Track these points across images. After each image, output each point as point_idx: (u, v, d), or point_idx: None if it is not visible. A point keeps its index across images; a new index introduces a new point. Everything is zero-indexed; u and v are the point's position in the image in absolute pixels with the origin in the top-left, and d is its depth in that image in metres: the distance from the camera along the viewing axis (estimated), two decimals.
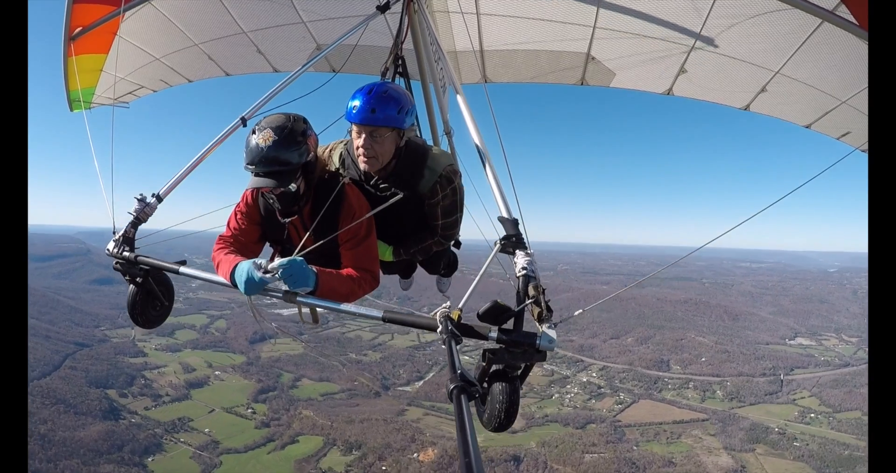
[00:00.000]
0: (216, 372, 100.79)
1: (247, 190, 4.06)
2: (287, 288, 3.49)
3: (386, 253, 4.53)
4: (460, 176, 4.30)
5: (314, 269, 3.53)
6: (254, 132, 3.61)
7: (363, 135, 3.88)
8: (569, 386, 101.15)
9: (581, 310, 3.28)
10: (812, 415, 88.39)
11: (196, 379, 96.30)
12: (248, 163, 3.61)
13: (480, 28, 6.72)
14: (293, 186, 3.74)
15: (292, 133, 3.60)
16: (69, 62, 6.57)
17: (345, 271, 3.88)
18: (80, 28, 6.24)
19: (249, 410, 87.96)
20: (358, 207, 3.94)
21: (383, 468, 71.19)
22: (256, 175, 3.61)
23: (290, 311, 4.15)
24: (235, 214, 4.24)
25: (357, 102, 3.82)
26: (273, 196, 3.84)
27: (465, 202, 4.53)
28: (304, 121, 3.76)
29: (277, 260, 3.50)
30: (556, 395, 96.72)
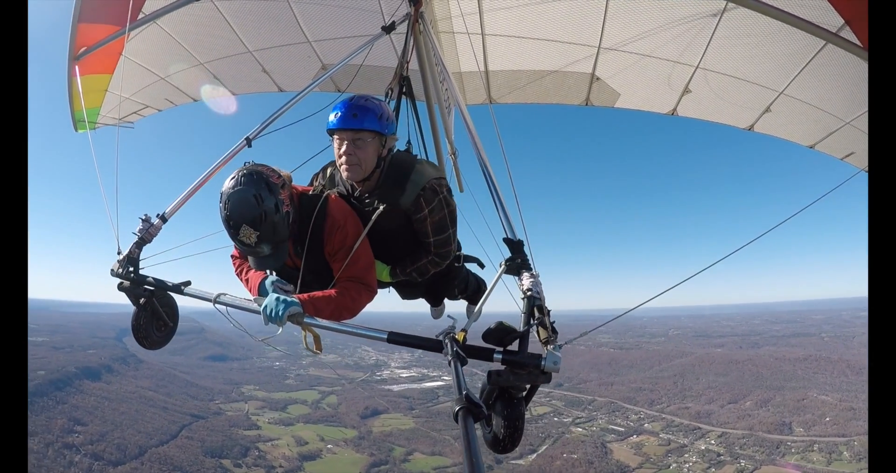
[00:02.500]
0: (328, 446, 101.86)
1: None
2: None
3: (383, 272, 4.43)
4: (448, 190, 4.17)
5: (293, 300, 3.50)
6: (230, 224, 3.55)
7: (345, 142, 3.87)
8: (686, 455, 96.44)
9: (585, 333, 3.25)
10: None
11: (309, 452, 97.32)
12: (222, 217, 3.57)
13: (485, 49, 6.75)
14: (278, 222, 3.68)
15: (269, 219, 3.54)
16: (73, 82, 6.60)
17: (331, 290, 3.85)
18: (85, 48, 6.26)
19: None
20: (342, 220, 3.91)
21: None
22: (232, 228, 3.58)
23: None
24: None
25: (338, 112, 3.85)
26: None
27: (472, 223, 4.48)
28: (267, 182, 3.58)
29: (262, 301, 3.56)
30: (674, 465, 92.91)
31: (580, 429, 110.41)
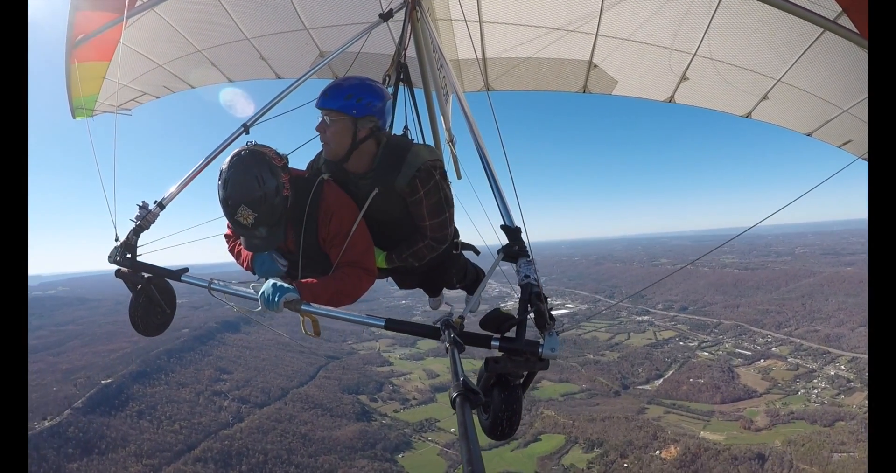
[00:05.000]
0: None
1: None
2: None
3: (380, 258, 4.42)
4: (443, 173, 4.18)
5: (289, 286, 3.46)
6: (227, 204, 3.57)
7: (321, 121, 3.97)
8: (815, 381, 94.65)
9: (582, 322, 3.26)
10: None
11: (441, 384, 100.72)
12: (221, 199, 3.59)
13: (483, 36, 6.74)
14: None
15: (268, 201, 3.58)
16: (72, 70, 6.58)
17: (330, 276, 3.86)
18: (83, 35, 6.24)
19: None
20: (337, 205, 3.91)
21: (625, 465, 71.19)
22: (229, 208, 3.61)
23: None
24: None
25: (322, 92, 3.95)
26: None
27: (469, 210, 4.47)
28: (269, 164, 3.62)
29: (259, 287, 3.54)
30: (802, 391, 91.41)
31: (706, 353, 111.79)
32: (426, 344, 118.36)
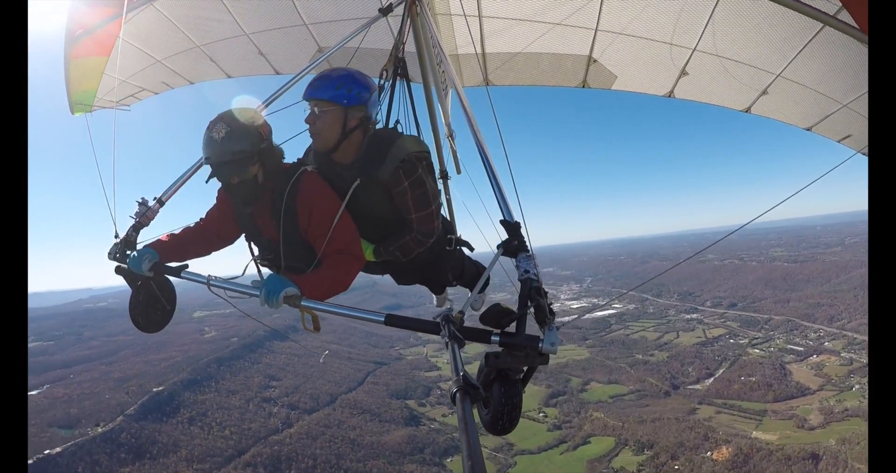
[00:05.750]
0: None
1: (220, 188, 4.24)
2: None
3: (367, 251, 4.42)
4: (427, 166, 4.16)
5: (289, 281, 3.47)
6: (208, 128, 3.74)
7: (310, 112, 3.97)
8: None
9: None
10: None
11: None
12: (206, 157, 3.78)
13: (482, 31, 6.73)
14: (250, 172, 3.83)
15: (243, 124, 3.75)
16: (70, 65, 6.57)
17: (321, 267, 3.88)
18: (82, 30, 6.23)
19: (541, 414, 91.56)
20: (317, 196, 3.93)
21: (676, 467, 71.09)
22: (215, 166, 3.79)
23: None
24: (213, 208, 4.43)
25: (310, 83, 3.97)
26: (234, 186, 3.90)
27: (468, 205, 4.45)
28: (254, 111, 3.97)
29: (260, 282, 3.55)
30: (857, 387, 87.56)
31: (757, 350, 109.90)
32: (474, 347, 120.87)
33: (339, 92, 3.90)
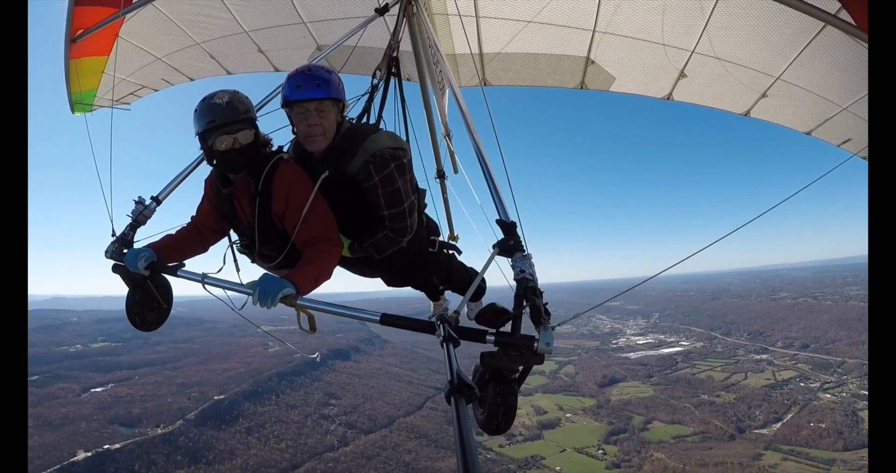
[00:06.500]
0: (567, 414, 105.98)
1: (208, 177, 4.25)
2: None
3: (343, 247, 4.28)
4: (401, 165, 4.02)
5: (285, 280, 3.43)
6: (205, 100, 3.79)
7: (311, 113, 3.85)
8: None
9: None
10: None
11: (547, 421, 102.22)
12: (208, 122, 3.72)
13: (479, 31, 6.74)
14: (248, 136, 3.85)
15: (241, 96, 3.87)
16: (71, 65, 6.58)
17: (304, 259, 3.84)
18: (82, 31, 6.23)
19: (600, 451, 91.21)
20: (296, 181, 3.92)
21: None
22: (217, 128, 3.73)
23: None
24: (202, 201, 4.37)
25: (299, 84, 3.82)
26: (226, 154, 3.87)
27: (464, 205, 4.41)
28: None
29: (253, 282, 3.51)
30: None
31: (829, 395, 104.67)
32: (534, 380, 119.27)
33: (340, 89, 3.90)
